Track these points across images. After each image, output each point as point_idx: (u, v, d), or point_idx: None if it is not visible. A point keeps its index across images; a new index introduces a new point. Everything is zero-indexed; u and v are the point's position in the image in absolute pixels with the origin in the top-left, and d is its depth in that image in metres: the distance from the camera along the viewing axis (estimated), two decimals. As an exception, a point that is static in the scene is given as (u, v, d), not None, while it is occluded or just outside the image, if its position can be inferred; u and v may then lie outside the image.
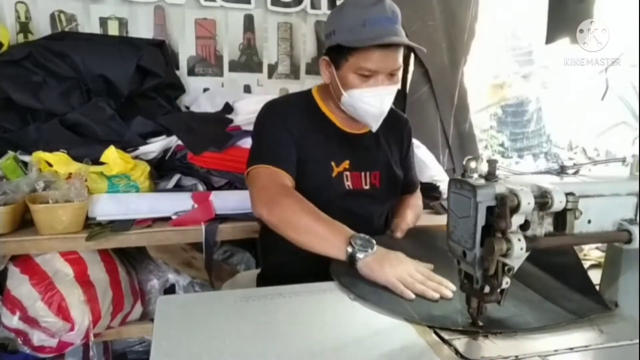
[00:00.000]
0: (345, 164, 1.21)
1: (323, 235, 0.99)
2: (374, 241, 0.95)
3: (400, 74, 1.15)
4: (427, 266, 0.96)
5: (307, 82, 2.22)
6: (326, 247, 0.98)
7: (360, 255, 0.93)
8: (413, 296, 0.86)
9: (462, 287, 0.77)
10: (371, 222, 1.25)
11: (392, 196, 1.32)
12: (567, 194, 0.70)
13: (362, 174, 1.23)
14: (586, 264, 1.11)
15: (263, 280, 1.31)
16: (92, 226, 1.43)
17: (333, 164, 1.19)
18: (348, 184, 1.21)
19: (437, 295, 0.86)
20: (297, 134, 1.17)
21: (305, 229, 1.01)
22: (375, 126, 1.19)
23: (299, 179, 1.16)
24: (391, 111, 1.25)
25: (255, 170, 1.14)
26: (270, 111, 1.21)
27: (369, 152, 1.25)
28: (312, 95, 1.26)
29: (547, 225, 0.73)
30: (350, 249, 0.94)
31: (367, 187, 1.23)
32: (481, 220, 0.69)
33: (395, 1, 1.12)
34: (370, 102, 1.12)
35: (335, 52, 1.12)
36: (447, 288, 0.88)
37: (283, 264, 1.22)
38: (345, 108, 1.17)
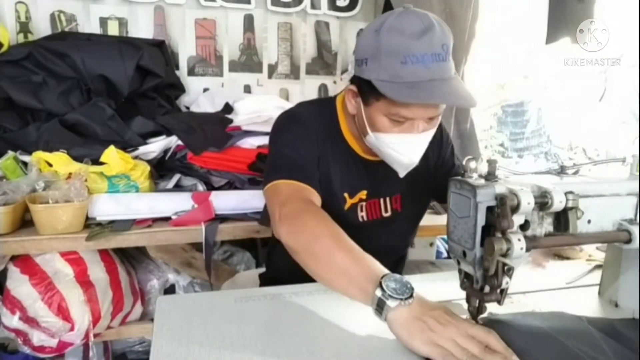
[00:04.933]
0: (362, 194, 1.07)
1: (343, 268, 0.77)
2: (411, 285, 0.72)
3: (440, 116, 0.96)
4: (486, 330, 0.69)
5: (307, 82, 2.22)
6: (347, 285, 0.77)
7: (391, 303, 0.69)
8: None
9: (462, 286, 0.77)
10: (390, 254, 1.10)
11: (418, 215, 1.21)
12: (567, 193, 0.70)
13: (382, 200, 1.10)
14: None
15: (266, 281, 1.30)
16: (92, 226, 1.43)
17: (346, 195, 1.06)
18: (362, 214, 1.08)
19: None
20: (319, 151, 1.02)
21: (324, 258, 0.81)
22: (403, 174, 1.01)
23: None
24: None
25: (275, 185, 0.96)
26: (291, 119, 1.05)
27: (389, 176, 1.05)
28: (336, 109, 1.07)
29: (547, 225, 0.73)
30: (379, 292, 0.70)
31: (387, 215, 1.11)
32: (481, 220, 0.69)
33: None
34: (400, 150, 0.94)
35: (365, 86, 0.92)
36: None
37: (288, 266, 1.14)
38: (369, 146, 1.00)
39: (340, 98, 1.08)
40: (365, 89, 0.93)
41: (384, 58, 0.87)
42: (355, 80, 0.96)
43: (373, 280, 0.73)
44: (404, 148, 0.94)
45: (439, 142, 1.17)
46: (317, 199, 0.96)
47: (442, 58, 0.87)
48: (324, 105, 1.10)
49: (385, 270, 0.76)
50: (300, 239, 0.85)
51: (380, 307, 0.71)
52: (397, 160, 0.97)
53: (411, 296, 0.71)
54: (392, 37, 0.86)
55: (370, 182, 1.08)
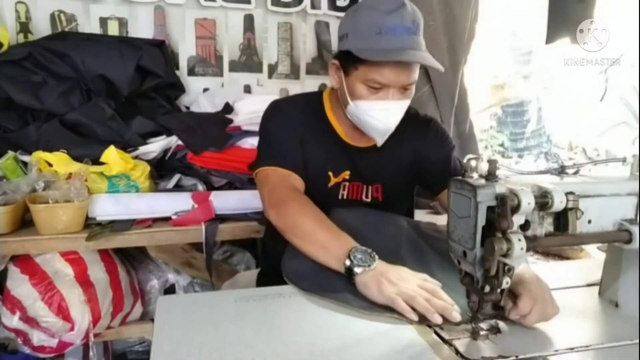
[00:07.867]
0: (345, 174, 1.16)
1: (323, 244, 0.94)
2: (375, 255, 0.89)
3: (413, 88, 1.07)
4: (434, 282, 0.87)
5: (307, 82, 2.22)
6: (326, 258, 0.93)
7: (357, 270, 0.86)
8: (416, 317, 0.79)
9: (462, 281, 0.77)
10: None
11: (400, 208, 1.24)
12: (567, 193, 0.70)
13: (365, 186, 1.18)
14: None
15: (263, 278, 1.31)
16: (92, 226, 1.43)
17: (331, 174, 1.16)
18: (343, 193, 1.17)
19: (439, 320, 0.78)
20: (300, 135, 1.14)
21: (308, 236, 0.97)
22: (380, 141, 1.11)
23: None
24: (412, 116, 1.17)
25: (264, 172, 1.11)
26: (275, 109, 1.18)
27: (372, 165, 1.18)
28: (322, 98, 1.20)
29: (548, 225, 0.74)
30: (348, 262, 0.87)
31: (367, 200, 1.19)
32: (481, 220, 0.69)
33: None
34: (376, 117, 1.05)
35: (346, 58, 1.04)
36: (455, 311, 0.79)
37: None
38: (350, 117, 1.11)
39: (328, 90, 1.21)
40: (345, 60, 1.05)
41: (361, 30, 1.00)
42: (337, 55, 1.09)
43: (345, 253, 0.89)
44: (379, 114, 1.05)
45: (435, 133, 1.24)
46: (300, 183, 1.11)
47: (413, 32, 1.00)
48: (311, 96, 1.25)
49: (355, 244, 0.91)
50: (287, 221, 1.01)
51: (350, 274, 0.87)
52: (374, 126, 1.07)
53: (373, 262, 0.87)
54: (367, 12, 1.01)
55: (353, 165, 1.17)
